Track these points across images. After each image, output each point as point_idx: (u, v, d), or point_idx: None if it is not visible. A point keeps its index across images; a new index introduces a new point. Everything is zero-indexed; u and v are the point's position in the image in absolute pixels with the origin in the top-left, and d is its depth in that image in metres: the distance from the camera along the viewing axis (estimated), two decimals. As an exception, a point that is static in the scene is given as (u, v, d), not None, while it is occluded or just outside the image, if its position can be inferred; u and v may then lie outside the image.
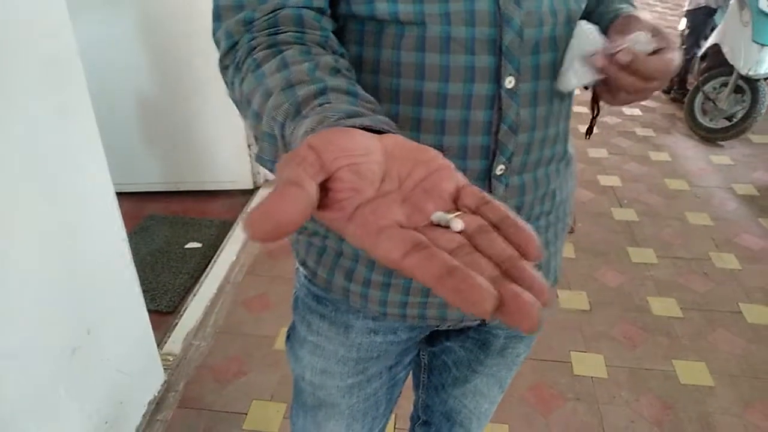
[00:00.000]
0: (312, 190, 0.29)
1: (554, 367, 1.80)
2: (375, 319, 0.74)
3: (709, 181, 3.01)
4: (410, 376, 0.96)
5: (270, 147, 0.45)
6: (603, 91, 0.61)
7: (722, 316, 2.04)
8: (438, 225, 0.29)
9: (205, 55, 2.34)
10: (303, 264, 0.75)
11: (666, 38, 0.55)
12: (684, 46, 3.70)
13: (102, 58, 2.16)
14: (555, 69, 0.60)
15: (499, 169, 0.62)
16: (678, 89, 3.88)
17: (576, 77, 0.58)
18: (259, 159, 0.48)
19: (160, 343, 1.73)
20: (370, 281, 0.68)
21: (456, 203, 0.31)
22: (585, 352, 1.87)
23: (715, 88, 3.37)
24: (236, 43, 0.52)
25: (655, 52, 0.55)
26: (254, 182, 2.68)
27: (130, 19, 2.29)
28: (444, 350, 0.89)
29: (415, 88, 0.57)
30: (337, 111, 0.38)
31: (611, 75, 0.55)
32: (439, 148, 0.58)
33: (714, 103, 3.33)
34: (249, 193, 2.66)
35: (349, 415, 0.86)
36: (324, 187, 0.30)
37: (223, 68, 0.54)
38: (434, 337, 0.89)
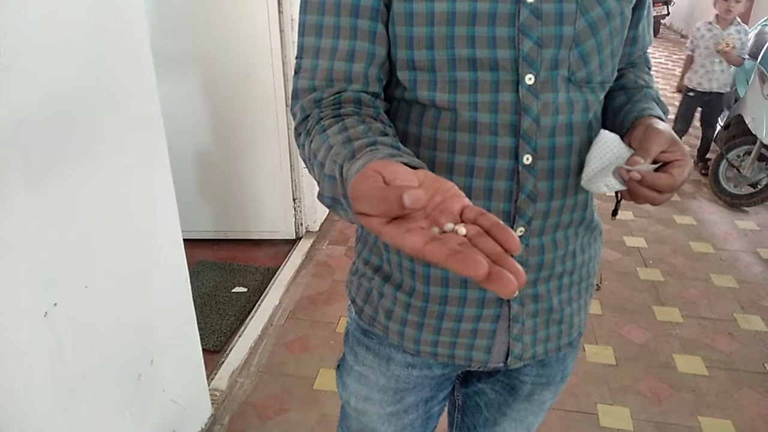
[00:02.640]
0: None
1: (581, 419, 1.87)
2: (412, 355, 0.82)
3: (735, 245, 3.08)
4: (445, 415, 1.03)
5: (329, 185, 0.55)
6: (624, 193, 0.68)
7: (748, 375, 2.09)
8: (447, 232, 0.42)
9: (257, 117, 2.59)
10: (353, 301, 0.86)
11: (680, 150, 0.64)
12: (676, 128, 3.76)
13: (166, 113, 2.40)
14: (570, 150, 0.69)
15: (519, 231, 0.71)
16: (701, 163, 3.96)
17: (606, 187, 0.66)
18: (320, 197, 0.58)
19: (207, 379, 1.86)
20: (407, 320, 0.78)
21: (461, 217, 0.43)
22: (611, 404, 1.93)
23: (739, 156, 3.47)
24: (308, 116, 0.66)
25: (668, 164, 0.64)
26: (296, 233, 2.86)
27: (193, 81, 2.55)
28: (476, 392, 0.96)
29: (448, 160, 0.69)
30: (383, 153, 0.51)
31: (630, 188, 0.65)
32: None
33: (738, 170, 3.43)
34: (292, 243, 2.83)
35: None
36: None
37: (297, 134, 0.68)
38: (467, 378, 0.97)
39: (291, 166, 2.71)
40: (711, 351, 2.22)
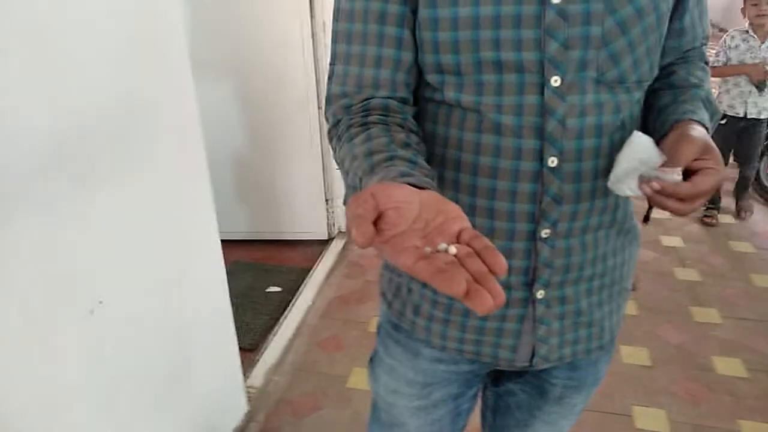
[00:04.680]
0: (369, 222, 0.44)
1: (616, 420, 1.85)
2: (439, 350, 0.83)
3: (777, 244, 2.99)
4: (477, 417, 1.04)
5: (351, 194, 0.60)
6: (652, 200, 0.65)
7: (791, 378, 2.03)
8: (440, 251, 0.45)
9: (290, 120, 2.64)
10: (383, 295, 0.88)
11: (714, 158, 0.62)
12: None
13: (202, 118, 2.47)
14: (599, 152, 0.68)
15: (544, 233, 0.70)
16: (738, 203, 3.28)
17: (630, 190, 0.64)
18: (345, 203, 0.62)
19: (243, 376, 1.90)
20: (433, 316, 0.80)
21: (458, 238, 0.46)
22: (647, 406, 1.90)
23: (782, 153, 3.31)
24: (339, 121, 0.70)
25: (698, 171, 0.61)
26: (329, 233, 2.90)
27: (229, 87, 2.62)
28: (507, 392, 0.96)
29: (473, 161, 0.70)
30: (396, 172, 0.54)
31: (653, 198, 0.62)
32: (490, 211, 0.71)
33: (781, 168, 3.27)
34: (324, 243, 2.87)
35: None
36: (376, 220, 0.45)
37: (330, 138, 0.72)
38: (498, 378, 0.96)
39: (323, 167, 2.76)
40: (751, 353, 2.16)
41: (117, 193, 1.15)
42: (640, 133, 0.65)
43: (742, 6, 2.86)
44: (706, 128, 0.67)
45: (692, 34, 0.77)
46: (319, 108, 2.63)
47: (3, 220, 0.89)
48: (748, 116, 2.91)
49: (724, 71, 2.89)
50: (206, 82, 2.51)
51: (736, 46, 2.87)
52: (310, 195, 2.80)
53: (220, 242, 1.59)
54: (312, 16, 2.46)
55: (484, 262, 0.43)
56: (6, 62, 0.87)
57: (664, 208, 0.63)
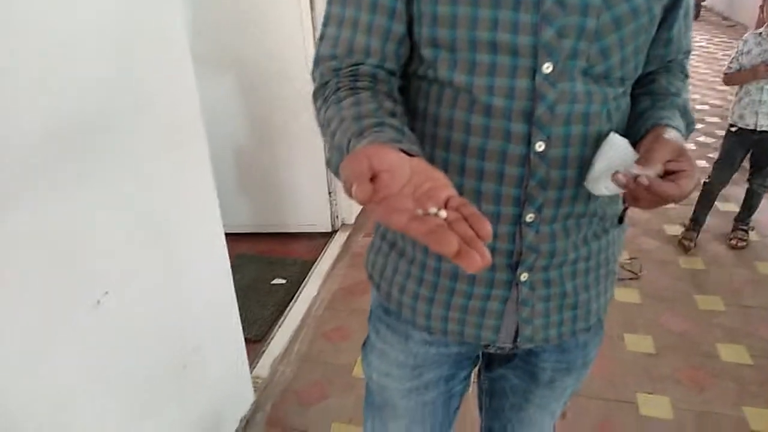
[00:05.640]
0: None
1: (620, 407, 1.86)
2: (426, 332, 0.85)
3: (781, 232, 2.98)
4: (470, 404, 1.06)
5: (337, 156, 0.61)
6: (627, 196, 0.67)
7: (795, 365, 2.03)
8: (430, 214, 0.48)
9: (292, 114, 2.64)
10: (370, 277, 0.90)
11: (688, 162, 0.64)
12: (714, 174, 2.78)
13: (205, 113, 2.48)
14: (585, 139, 0.69)
15: (529, 217, 0.72)
16: (689, 229, 2.88)
17: (607, 189, 0.66)
18: (328, 164, 0.64)
19: (250, 367, 1.92)
20: (418, 295, 0.81)
21: (446, 205, 0.48)
22: (651, 393, 1.91)
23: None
24: (327, 83, 0.71)
25: (674, 173, 0.63)
26: (333, 226, 2.91)
27: (230, 81, 2.62)
28: (500, 377, 0.98)
29: (463, 141, 0.70)
30: (386, 137, 0.56)
31: (632, 192, 0.63)
32: (477, 193, 0.71)
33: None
34: (328, 236, 2.88)
35: (408, 418, 0.95)
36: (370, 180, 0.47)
37: (315, 99, 0.72)
38: (491, 363, 0.99)
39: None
40: (755, 340, 2.16)
41: (120, 186, 1.16)
42: (617, 134, 0.67)
43: (761, 4, 2.58)
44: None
45: (677, 45, 0.79)
46: (322, 100, 2.63)
47: (8, 211, 0.90)
48: (759, 128, 2.56)
49: (733, 78, 2.62)
50: (208, 76, 2.52)
51: (749, 51, 2.55)
52: (313, 188, 2.81)
53: (224, 234, 1.60)
54: (312, 8, 2.46)
55: (471, 227, 0.46)
56: (12, 58, 0.87)
57: (637, 203, 0.65)
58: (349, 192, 0.47)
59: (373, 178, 0.47)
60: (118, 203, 1.16)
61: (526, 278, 0.76)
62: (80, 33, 1.01)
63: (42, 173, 0.96)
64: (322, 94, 0.71)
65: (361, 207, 2.98)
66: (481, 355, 0.96)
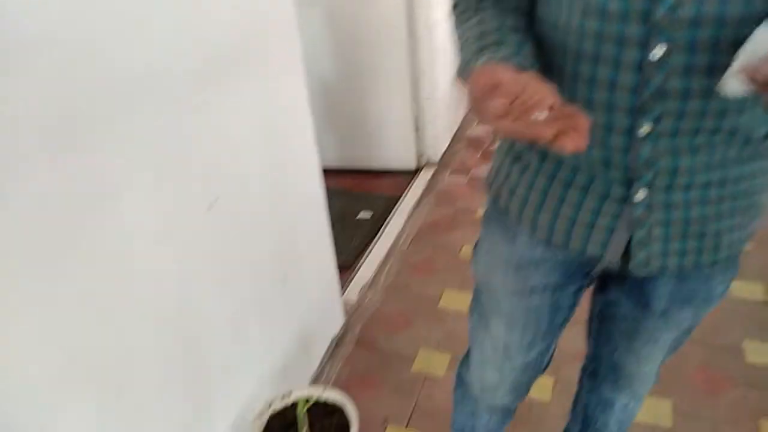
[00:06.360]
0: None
1: (725, 352, 1.75)
2: (532, 235, 0.83)
3: None
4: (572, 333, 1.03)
5: (463, 68, 0.67)
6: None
7: None
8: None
9: (381, 49, 2.60)
10: (487, 183, 0.91)
11: None
12: None
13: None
14: (717, 45, 0.59)
15: (644, 129, 0.66)
16: None
17: (740, 85, 0.56)
18: (457, 72, 0.70)
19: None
20: (527, 200, 0.81)
21: (551, 109, 0.52)
22: (760, 341, 1.79)
23: None
24: (458, 3, 0.77)
25: None
26: (418, 163, 2.88)
27: (320, 12, 2.60)
28: (612, 302, 0.94)
29: (576, 46, 0.67)
30: (503, 54, 0.63)
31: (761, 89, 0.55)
32: (589, 102, 0.68)
33: None
34: (413, 173, 2.86)
35: (509, 320, 0.94)
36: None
37: (451, 14, 0.78)
38: (604, 286, 0.95)
39: (414, 96, 2.71)
40: None
41: (233, 107, 1.20)
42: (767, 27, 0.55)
43: None
44: None
45: None
46: (409, 33, 2.56)
47: (135, 117, 0.93)
48: None
49: None
50: (299, 12, 2.51)
51: None
52: (399, 125, 2.78)
53: (317, 154, 1.61)
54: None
55: (573, 125, 0.51)
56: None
57: None
58: (473, 108, 0.56)
59: (489, 93, 0.53)
60: (231, 120, 1.19)
61: (643, 197, 0.71)
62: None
63: (172, 85, 1.00)
64: (455, 13, 0.77)
65: (448, 144, 2.95)
66: (593, 276, 0.92)
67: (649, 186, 0.71)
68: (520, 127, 0.52)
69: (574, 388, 1.24)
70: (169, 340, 1.08)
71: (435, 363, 1.76)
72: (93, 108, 0.84)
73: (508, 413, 1.16)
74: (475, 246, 0.98)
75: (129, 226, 0.94)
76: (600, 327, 1.02)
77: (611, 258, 0.78)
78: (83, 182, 0.84)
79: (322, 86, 2.75)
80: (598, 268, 0.86)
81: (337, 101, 2.79)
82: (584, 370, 1.17)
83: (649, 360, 0.97)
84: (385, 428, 1.55)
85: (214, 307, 1.21)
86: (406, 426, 1.56)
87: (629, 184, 0.72)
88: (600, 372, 1.08)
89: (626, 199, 0.72)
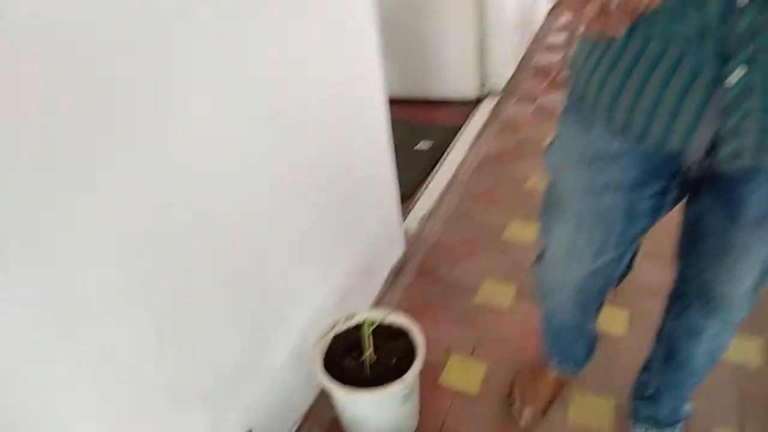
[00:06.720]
0: None
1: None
2: (607, 126, 0.78)
3: None
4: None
5: None
6: None
7: None
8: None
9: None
10: (569, 68, 0.85)
11: None
12: None
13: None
14: None
15: (738, 72, 0.61)
16: None
17: None
18: None
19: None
20: (604, 86, 0.74)
21: None
22: None
23: None
24: None
25: None
26: (480, 92, 2.74)
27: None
28: (703, 212, 0.86)
29: None
30: None
31: None
32: (671, 34, 0.64)
33: None
34: (474, 103, 2.73)
35: (577, 219, 0.90)
36: None
37: None
38: (692, 196, 0.87)
39: (479, 19, 2.54)
40: None
41: (300, 27, 1.14)
42: None
43: None
44: None
45: None
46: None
47: (200, 34, 0.87)
48: None
49: None
50: None
51: None
52: (461, 55, 2.63)
53: (382, 79, 1.54)
54: None
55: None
56: None
57: None
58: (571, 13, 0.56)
59: None
60: (299, 41, 1.14)
61: (740, 77, 0.62)
62: None
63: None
64: None
65: (514, 71, 2.80)
66: (677, 180, 0.83)
67: (748, 63, 0.62)
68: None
69: (652, 323, 1.16)
70: (231, 261, 1.06)
71: (500, 294, 1.70)
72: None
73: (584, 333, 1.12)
74: (550, 144, 0.93)
75: (196, 129, 0.91)
76: (689, 245, 0.94)
77: (695, 154, 0.72)
78: (142, 87, 0.79)
79: (382, 14, 2.61)
80: (683, 166, 0.79)
81: (397, 30, 2.66)
82: (671, 295, 1.08)
83: (742, 279, 0.88)
84: (449, 356, 1.52)
85: (281, 229, 1.18)
86: (471, 354, 1.52)
87: (724, 62, 0.63)
88: (688, 294, 0.99)
89: (719, 80, 0.64)
